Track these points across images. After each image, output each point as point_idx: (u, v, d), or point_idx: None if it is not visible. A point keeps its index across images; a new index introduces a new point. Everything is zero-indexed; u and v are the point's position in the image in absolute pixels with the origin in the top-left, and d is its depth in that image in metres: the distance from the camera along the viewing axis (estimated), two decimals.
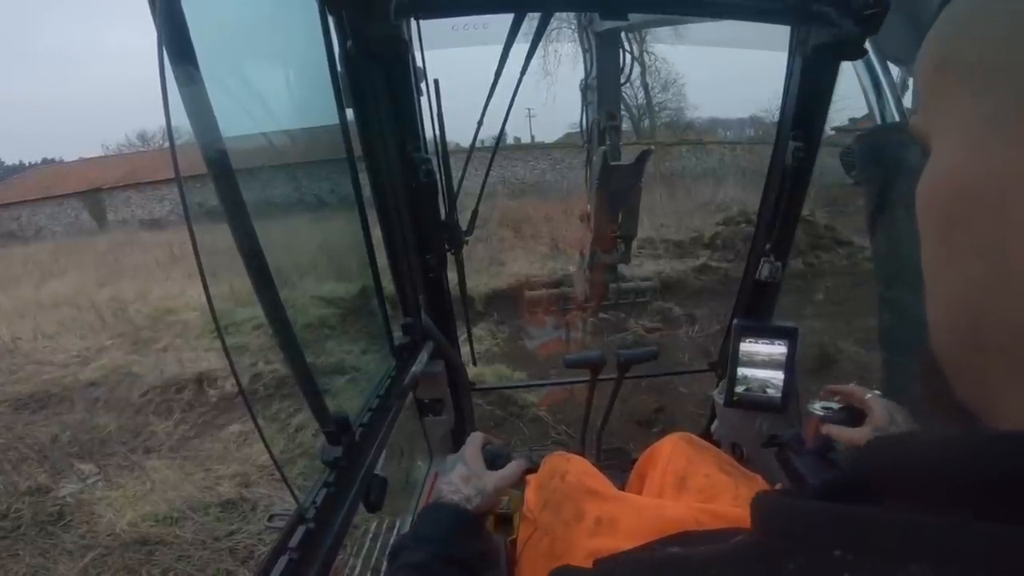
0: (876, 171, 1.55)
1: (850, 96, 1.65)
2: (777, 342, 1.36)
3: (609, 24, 2.73)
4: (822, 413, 1.06)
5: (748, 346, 1.38)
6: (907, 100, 1.56)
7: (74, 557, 2.78)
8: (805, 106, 1.24)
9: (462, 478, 0.82)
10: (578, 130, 3.57)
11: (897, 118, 1.53)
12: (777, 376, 1.37)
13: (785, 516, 0.27)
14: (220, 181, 0.56)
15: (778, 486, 1.09)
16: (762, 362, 1.38)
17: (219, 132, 0.54)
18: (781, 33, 1.22)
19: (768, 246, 1.42)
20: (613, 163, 2.91)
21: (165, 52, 0.47)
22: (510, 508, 1.29)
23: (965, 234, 0.26)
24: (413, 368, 1.21)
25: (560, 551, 0.89)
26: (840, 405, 1.00)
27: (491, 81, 1.24)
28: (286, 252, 0.84)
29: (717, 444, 1.60)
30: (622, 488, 1.11)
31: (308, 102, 0.99)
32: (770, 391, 1.38)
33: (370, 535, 1.67)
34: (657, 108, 22.58)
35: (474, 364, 1.92)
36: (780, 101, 1.32)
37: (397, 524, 1.63)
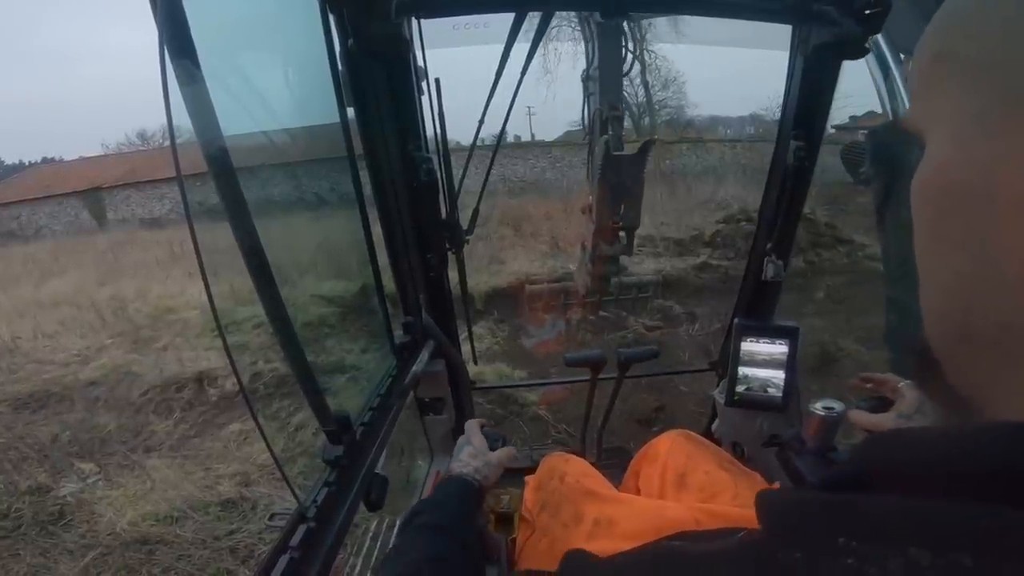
0: (887, 167, 1.54)
1: (851, 94, 1.65)
2: (778, 341, 1.36)
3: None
4: (823, 413, 1.06)
5: (749, 345, 1.38)
6: None
7: (75, 556, 2.78)
8: (806, 105, 1.24)
9: (470, 455, 0.92)
10: (578, 128, 3.60)
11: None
12: (778, 375, 1.37)
13: (788, 509, 0.28)
14: (221, 179, 0.56)
15: (777, 484, 1.09)
16: (763, 361, 1.38)
17: (220, 130, 0.54)
18: (782, 32, 1.22)
19: (769, 245, 1.42)
20: (616, 152, 2.93)
21: (166, 51, 0.47)
22: (510, 507, 1.29)
23: (953, 227, 0.27)
24: (414, 367, 1.21)
25: (559, 552, 0.89)
26: (874, 398, 0.97)
27: (492, 80, 1.25)
28: (287, 251, 0.84)
29: (718, 443, 1.60)
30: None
31: (309, 101, 0.99)
32: (771, 390, 1.38)
33: (370, 534, 1.68)
34: (657, 106, 22.55)
35: (475, 363, 1.92)
36: (780, 99, 1.31)
37: (398, 523, 1.63)
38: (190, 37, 0.49)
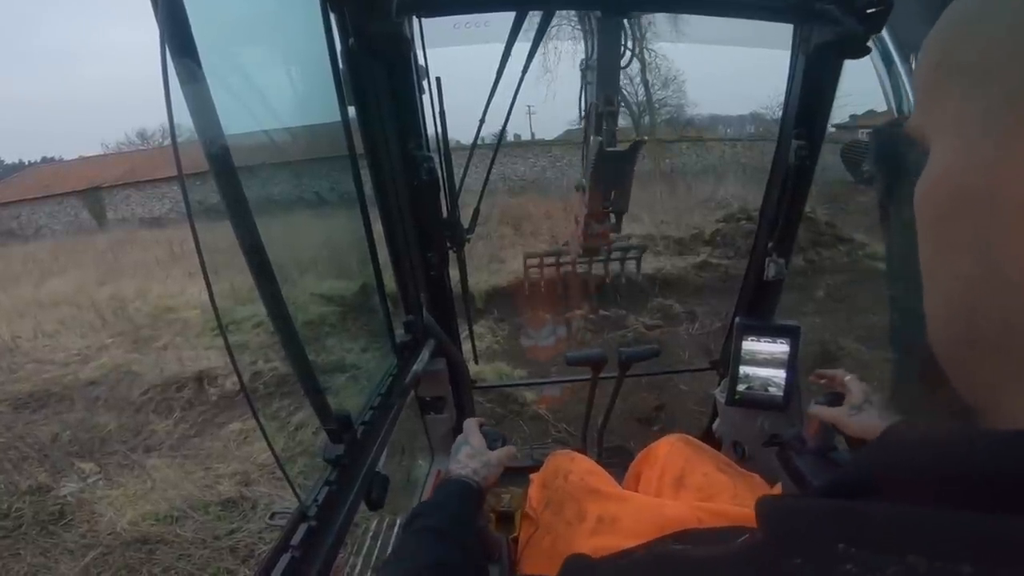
0: (890, 165, 1.54)
1: (851, 93, 1.65)
2: (779, 340, 1.36)
3: None
4: None
5: (750, 344, 1.38)
6: None
7: (75, 556, 2.78)
8: (808, 104, 1.24)
9: (468, 455, 0.90)
10: (578, 127, 3.65)
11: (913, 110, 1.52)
12: (779, 375, 1.37)
13: (788, 515, 0.28)
14: (222, 178, 0.56)
15: (777, 484, 1.09)
16: (764, 360, 1.38)
17: (221, 129, 0.54)
18: (783, 31, 1.22)
19: (771, 244, 1.42)
20: (608, 149, 3.10)
21: (167, 50, 0.47)
22: (511, 506, 1.29)
23: (958, 232, 0.27)
24: (415, 366, 1.21)
25: (561, 550, 0.89)
26: (831, 393, 1.04)
27: (492, 79, 1.24)
28: (288, 249, 0.84)
29: (719, 442, 1.60)
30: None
31: (310, 99, 0.99)
32: (772, 390, 1.38)
33: (370, 533, 1.68)
34: (657, 105, 22.53)
35: (476, 362, 1.92)
36: (781, 98, 1.31)
37: (398, 522, 1.64)
38: (191, 36, 0.49)
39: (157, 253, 10.08)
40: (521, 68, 1.35)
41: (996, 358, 0.25)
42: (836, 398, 1.01)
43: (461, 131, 1.63)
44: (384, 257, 1.15)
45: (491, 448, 0.94)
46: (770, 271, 1.42)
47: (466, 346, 1.83)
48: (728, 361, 1.46)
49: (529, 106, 22.85)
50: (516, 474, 1.20)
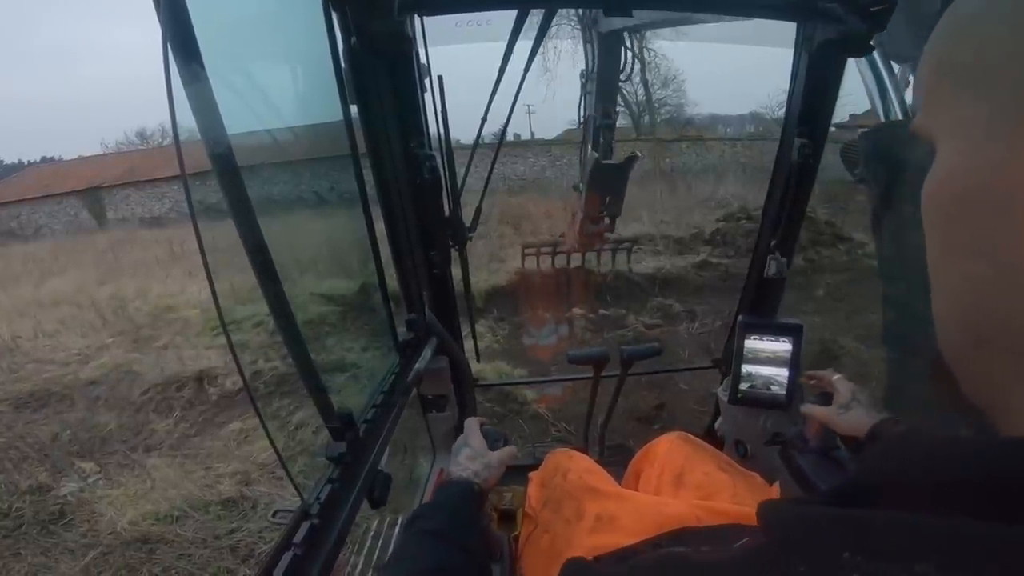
0: (881, 168, 1.55)
1: (851, 92, 1.65)
2: (782, 339, 1.36)
3: (613, 25, 2.78)
4: None
5: (753, 343, 1.38)
6: (909, 96, 1.56)
7: (75, 556, 2.78)
8: (811, 103, 1.24)
9: (468, 457, 0.89)
10: (578, 127, 3.69)
11: (900, 115, 1.53)
12: (782, 373, 1.37)
13: (792, 521, 0.28)
14: (225, 178, 0.55)
15: (777, 483, 1.09)
16: (767, 359, 1.38)
17: (224, 129, 0.54)
18: (783, 29, 1.22)
19: (774, 242, 1.42)
20: (604, 162, 3.19)
21: (170, 49, 0.47)
22: (513, 504, 1.29)
23: (967, 234, 0.27)
24: (417, 364, 1.21)
25: (560, 548, 0.89)
26: (822, 393, 1.08)
27: (493, 78, 1.24)
28: (290, 249, 0.84)
29: (721, 441, 1.60)
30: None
31: (312, 99, 0.99)
32: (774, 388, 1.38)
33: (371, 532, 1.68)
34: (657, 105, 22.53)
35: (477, 360, 1.93)
36: (781, 97, 1.32)
37: (400, 521, 1.64)
38: (194, 36, 0.49)
39: (157, 253, 10.08)
40: (522, 67, 1.35)
41: (1006, 360, 0.25)
42: (827, 397, 1.04)
43: (462, 131, 1.63)
44: (386, 256, 1.14)
45: (492, 448, 0.93)
46: (772, 269, 1.42)
47: (468, 344, 1.83)
48: (730, 359, 1.46)
49: (529, 105, 22.86)
50: (517, 472, 1.20)
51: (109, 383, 4.85)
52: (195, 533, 2.83)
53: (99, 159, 22.32)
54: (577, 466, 1.07)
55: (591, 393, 1.79)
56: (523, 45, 1.22)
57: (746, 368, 1.39)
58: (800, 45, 1.20)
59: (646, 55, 19.98)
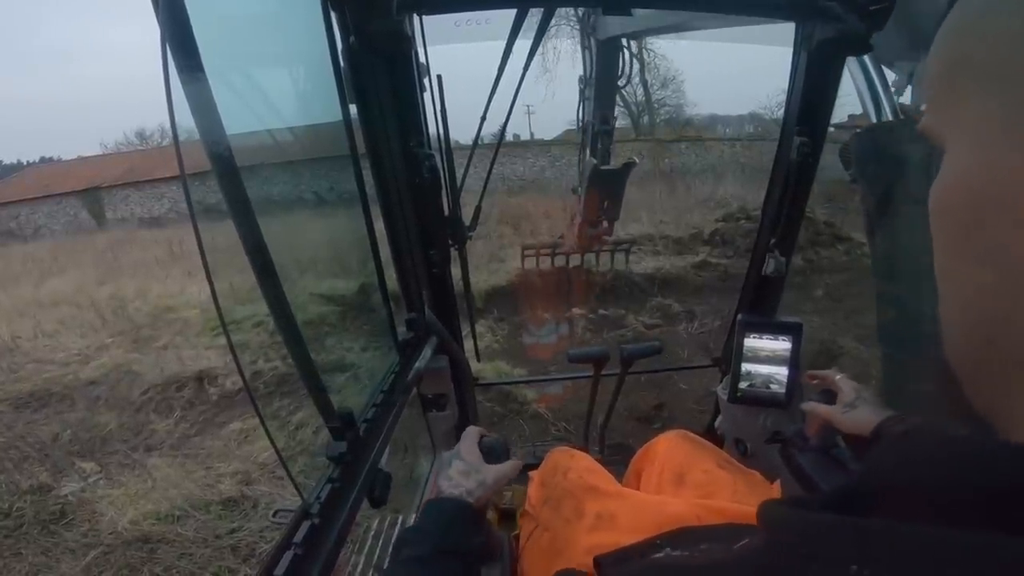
0: (873, 169, 1.55)
1: (850, 93, 1.65)
2: (781, 337, 1.36)
3: (612, 32, 2.80)
4: None
5: (752, 341, 1.38)
6: (903, 98, 1.57)
7: (76, 555, 2.78)
8: (810, 102, 1.24)
9: (461, 472, 0.82)
10: (577, 128, 3.72)
11: (891, 116, 1.53)
12: (781, 372, 1.37)
13: (797, 528, 0.27)
14: (224, 178, 0.55)
15: (778, 482, 1.09)
16: (766, 358, 1.38)
17: (223, 129, 0.54)
18: (783, 29, 1.22)
19: (773, 241, 1.42)
20: (602, 167, 3.24)
21: (168, 49, 0.47)
22: (513, 503, 1.29)
23: (978, 240, 0.26)
24: (417, 363, 1.21)
25: (560, 547, 0.89)
26: (824, 391, 1.08)
27: (492, 78, 1.25)
28: (290, 249, 0.84)
29: (721, 440, 1.60)
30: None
31: (311, 98, 0.99)
32: (774, 387, 1.38)
33: (372, 532, 1.68)
34: (656, 105, 22.53)
35: (477, 360, 1.93)
36: (780, 97, 1.32)
37: (400, 520, 1.64)
38: (192, 35, 0.49)
39: (156, 253, 10.07)
40: (522, 66, 1.36)
41: (1016, 369, 0.25)
42: (829, 396, 1.03)
43: (461, 130, 1.64)
44: (386, 255, 1.14)
45: (495, 460, 0.86)
46: (772, 268, 1.42)
47: (468, 344, 1.83)
48: (730, 358, 1.46)
49: (528, 106, 22.88)
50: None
51: (109, 383, 4.85)
52: (196, 532, 2.83)
53: (98, 159, 22.30)
54: (577, 465, 1.07)
55: (591, 392, 1.79)
56: (522, 44, 1.23)
57: (746, 367, 1.39)
58: (799, 44, 1.20)
59: (645, 55, 20.01)
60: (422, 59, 1.16)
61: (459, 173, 1.32)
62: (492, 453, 0.88)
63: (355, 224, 1.00)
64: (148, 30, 0.48)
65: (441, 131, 1.24)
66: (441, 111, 1.22)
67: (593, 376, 1.73)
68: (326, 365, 0.96)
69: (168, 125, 0.50)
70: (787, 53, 1.25)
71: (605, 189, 3.45)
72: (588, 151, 3.43)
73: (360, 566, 1.56)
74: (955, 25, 0.28)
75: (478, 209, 1.49)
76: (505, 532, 1.11)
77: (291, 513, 0.70)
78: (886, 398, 0.98)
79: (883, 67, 1.52)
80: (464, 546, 0.72)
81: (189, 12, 0.48)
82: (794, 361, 1.35)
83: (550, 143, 18.64)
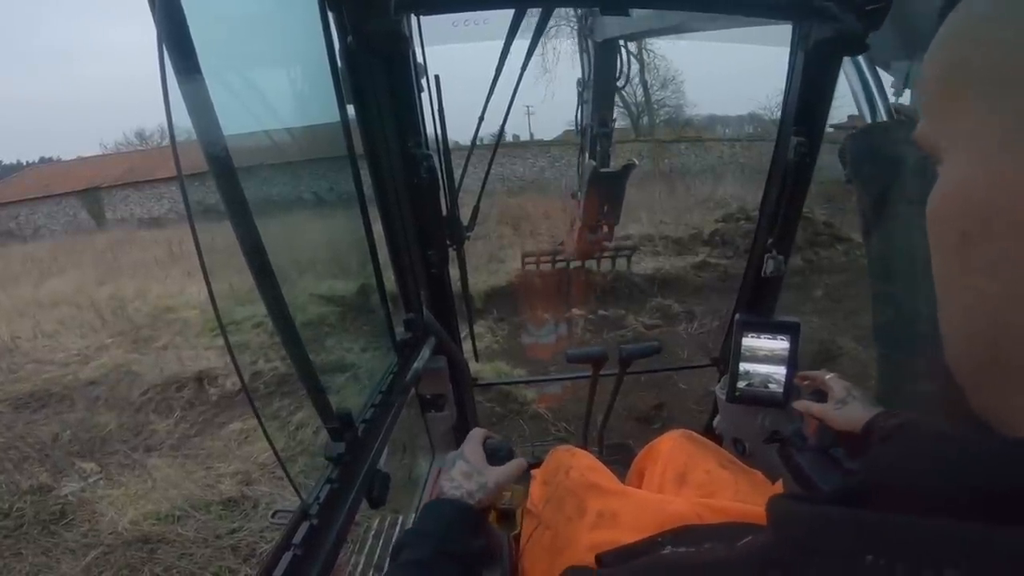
0: (868, 170, 1.56)
1: (849, 93, 1.65)
2: (779, 337, 1.36)
3: (610, 34, 2.80)
4: None
5: (750, 341, 1.38)
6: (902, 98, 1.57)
7: (76, 556, 2.79)
8: (807, 101, 1.24)
9: (463, 474, 0.82)
10: (576, 130, 3.72)
11: (885, 117, 1.54)
12: (779, 371, 1.37)
13: (806, 522, 0.26)
14: (221, 179, 0.55)
15: (779, 481, 1.09)
16: (764, 357, 1.38)
17: (220, 129, 0.54)
18: (782, 29, 1.22)
19: (770, 241, 1.42)
20: (602, 170, 3.27)
21: (165, 49, 0.47)
22: (513, 503, 1.29)
23: (979, 250, 0.25)
24: (415, 364, 1.21)
25: (561, 545, 0.89)
26: (816, 391, 1.10)
27: (491, 77, 1.25)
28: (288, 250, 0.84)
29: (719, 439, 1.60)
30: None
31: (309, 99, 0.99)
32: (772, 386, 1.38)
33: (372, 532, 1.68)
34: (656, 105, 22.54)
35: (476, 360, 1.93)
36: (780, 98, 1.32)
37: (400, 520, 1.64)
38: (189, 35, 0.49)
39: (156, 253, 10.08)
40: (519, 66, 1.36)
41: (1018, 375, 0.24)
42: (820, 395, 1.05)
43: (459, 131, 1.64)
44: (384, 256, 1.14)
45: (498, 463, 0.85)
46: (769, 268, 1.42)
47: (466, 344, 1.83)
48: (728, 358, 1.46)
49: (528, 106, 22.91)
50: None
51: (109, 383, 4.85)
52: (196, 533, 2.83)
53: (98, 159, 22.31)
54: (579, 463, 1.07)
55: (590, 392, 1.79)
56: (520, 45, 1.23)
57: (744, 366, 1.39)
58: (796, 45, 1.20)
59: (645, 56, 20.02)
60: (420, 59, 1.16)
61: (457, 173, 1.32)
62: (496, 455, 0.87)
63: (353, 225, 1.00)
64: (148, 30, 0.48)
65: (439, 131, 1.24)
66: (439, 111, 1.22)
67: (592, 376, 1.73)
68: (324, 366, 0.96)
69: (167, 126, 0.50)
70: (786, 53, 1.25)
71: (605, 192, 3.45)
72: (587, 154, 3.44)
73: (360, 566, 1.56)
74: (955, 30, 0.27)
75: (476, 209, 1.49)
76: (505, 532, 1.11)
77: (290, 514, 0.71)
78: (882, 398, 0.99)
79: (878, 69, 1.52)
80: (464, 548, 0.71)
81: (186, 12, 0.48)
82: (792, 361, 1.35)
83: (550, 143, 18.65)
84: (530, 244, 8.64)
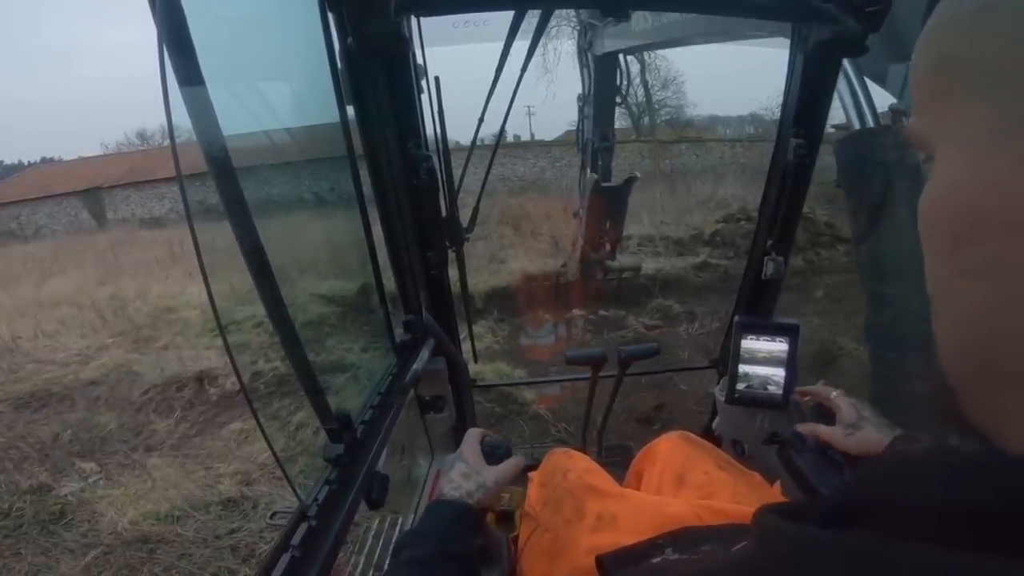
0: (857, 174, 1.56)
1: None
2: (778, 339, 1.36)
3: (609, 47, 2.81)
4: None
5: (749, 343, 1.38)
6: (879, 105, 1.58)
7: (76, 556, 2.79)
8: (806, 102, 1.24)
9: (462, 475, 0.83)
10: (577, 147, 3.71)
11: (871, 123, 1.55)
12: (778, 373, 1.37)
13: (792, 542, 0.26)
14: (221, 180, 0.56)
15: (778, 483, 1.09)
16: (763, 359, 1.37)
17: (220, 130, 0.54)
18: (781, 30, 1.22)
19: (770, 242, 1.42)
20: (604, 184, 3.25)
21: (165, 49, 0.47)
22: (512, 505, 1.29)
23: (972, 253, 0.25)
24: (414, 365, 1.21)
25: (561, 548, 0.89)
26: (818, 407, 1.08)
27: (491, 79, 1.25)
28: (287, 250, 0.84)
29: (718, 441, 1.60)
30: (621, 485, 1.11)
31: (309, 100, 0.99)
32: (771, 388, 1.38)
33: (372, 532, 1.68)
34: (657, 106, 22.53)
35: (475, 361, 1.93)
36: (780, 98, 1.32)
37: (399, 521, 1.64)
38: (189, 36, 0.49)
39: (157, 253, 10.08)
40: (520, 67, 1.36)
41: (1012, 381, 0.24)
42: (822, 411, 1.03)
43: (459, 132, 1.64)
44: (383, 257, 1.15)
45: (497, 461, 0.87)
46: (769, 269, 1.42)
47: (466, 346, 1.83)
48: (727, 359, 1.46)
49: (528, 107, 22.92)
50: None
51: (109, 383, 4.85)
52: (196, 533, 2.83)
53: (99, 159, 22.32)
54: (577, 466, 1.06)
55: (589, 393, 1.79)
56: (520, 45, 1.23)
57: (743, 368, 1.39)
58: (795, 46, 1.20)
59: (646, 57, 19.99)
60: (420, 61, 1.16)
61: (457, 174, 1.32)
62: (494, 454, 0.89)
63: (353, 225, 1.00)
64: (148, 30, 0.48)
65: (439, 133, 1.24)
66: (439, 112, 1.22)
67: (591, 377, 1.73)
68: (323, 367, 0.96)
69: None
70: (785, 53, 1.25)
71: (606, 207, 3.43)
72: (588, 170, 3.43)
73: (360, 566, 1.56)
74: (948, 22, 0.26)
75: (475, 210, 1.49)
76: (504, 533, 1.11)
77: (289, 515, 0.71)
78: (875, 398, 0.98)
79: (866, 79, 1.54)
80: (464, 548, 0.72)
81: (186, 13, 0.48)
82: (791, 362, 1.35)
83: (550, 144, 18.65)
84: (531, 243, 8.65)
